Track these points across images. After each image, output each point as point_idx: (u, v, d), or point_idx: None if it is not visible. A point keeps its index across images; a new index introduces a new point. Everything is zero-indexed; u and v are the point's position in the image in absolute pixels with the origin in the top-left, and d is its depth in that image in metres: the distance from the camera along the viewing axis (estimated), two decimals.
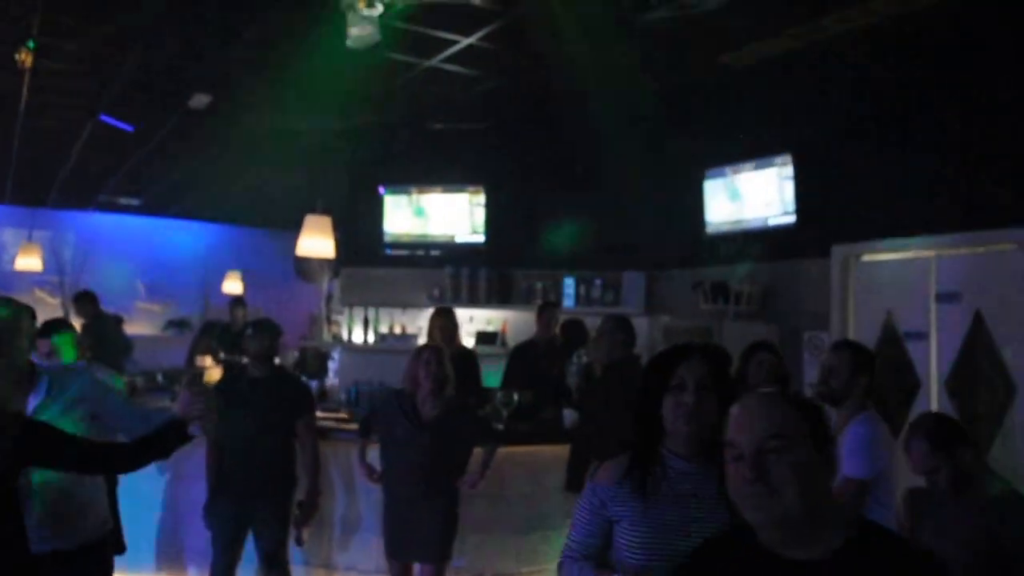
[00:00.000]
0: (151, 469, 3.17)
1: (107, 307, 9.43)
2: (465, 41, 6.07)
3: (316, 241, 6.49)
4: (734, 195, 6.75)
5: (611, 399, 4.60)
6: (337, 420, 5.98)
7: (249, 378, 4.85)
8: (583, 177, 7.85)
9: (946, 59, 5.45)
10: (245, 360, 5.06)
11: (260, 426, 4.67)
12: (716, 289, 6.45)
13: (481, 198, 8.06)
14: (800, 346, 6.29)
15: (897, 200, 5.76)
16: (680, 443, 2.25)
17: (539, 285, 7.92)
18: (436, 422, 4.47)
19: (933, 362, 5.55)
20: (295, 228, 6.88)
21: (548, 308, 6.75)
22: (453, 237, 8.17)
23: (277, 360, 5.11)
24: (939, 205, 5.52)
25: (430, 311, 7.98)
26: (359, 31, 4.87)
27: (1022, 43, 5.10)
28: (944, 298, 5.52)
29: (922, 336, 5.62)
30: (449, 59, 6.40)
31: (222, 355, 7.95)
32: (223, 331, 8.57)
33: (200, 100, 7.37)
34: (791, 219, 6.31)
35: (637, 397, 2.33)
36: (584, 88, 6.98)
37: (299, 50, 6.54)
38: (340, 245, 8.39)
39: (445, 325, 6.09)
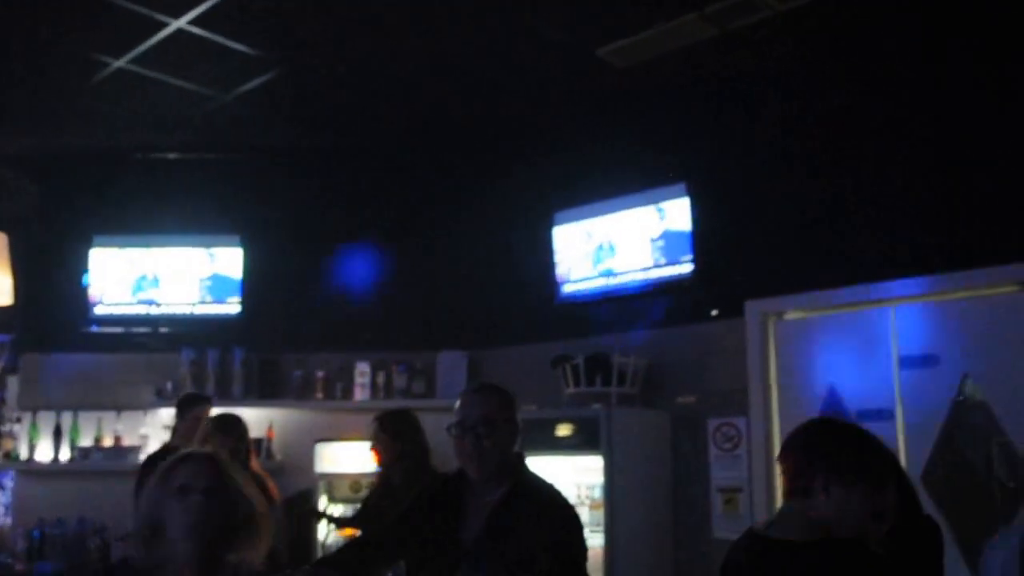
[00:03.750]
0: None
1: None
2: None
3: None
4: (602, 241, 5.11)
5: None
6: None
7: None
8: (380, 225, 5.91)
9: (903, 49, 4.26)
10: None
11: None
12: (594, 365, 4.69)
13: (236, 255, 5.82)
14: (704, 439, 4.66)
15: (834, 237, 4.41)
16: None
17: (319, 373, 5.74)
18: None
19: (901, 450, 4.11)
20: None
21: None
22: (194, 308, 5.81)
23: None
24: (898, 240, 4.22)
25: (161, 412, 5.64)
26: None
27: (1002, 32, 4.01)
28: (912, 362, 4.15)
29: (884, 415, 4.19)
30: (207, 17, 4.29)
31: None
32: None
33: None
34: (687, 269, 4.76)
35: None
36: (383, 92, 5.17)
37: None
38: (21, 320, 5.83)
39: (226, 442, 3.75)
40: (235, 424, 3.63)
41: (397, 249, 5.87)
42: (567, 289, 5.23)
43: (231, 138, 5.75)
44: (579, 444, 4.62)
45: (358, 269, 5.85)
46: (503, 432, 2.57)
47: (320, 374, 5.72)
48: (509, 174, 5.65)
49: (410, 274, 5.82)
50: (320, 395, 5.69)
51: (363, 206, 5.93)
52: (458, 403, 2.63)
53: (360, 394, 5.67)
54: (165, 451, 4.07)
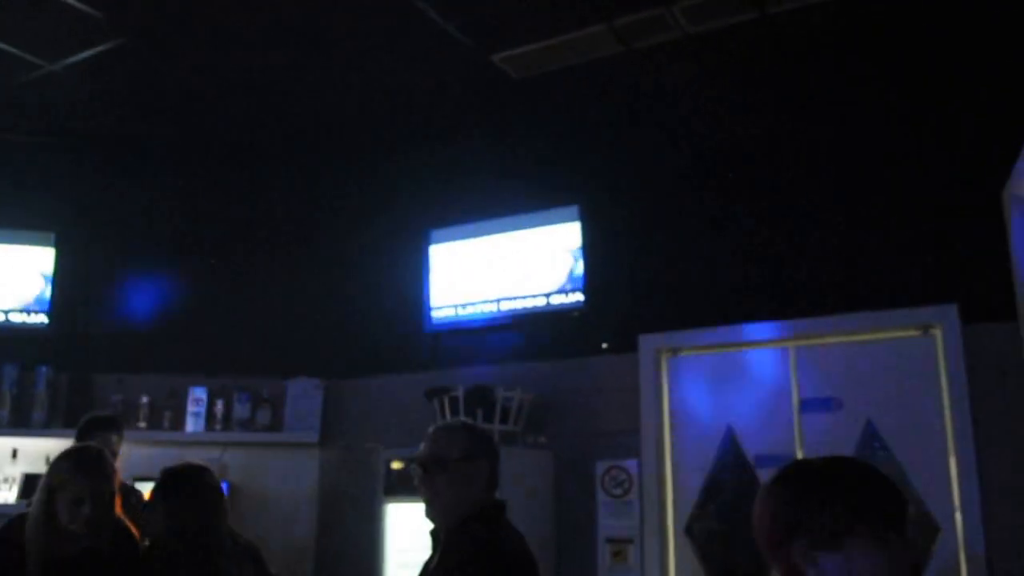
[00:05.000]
0: None
1: None
2: None
3: None
4: (484, 263, 4.69)
5: None
6: None
7: None
8: (226, 231, 5.22)
9: (813, 81, 4.15)
10: None
11: None
12: (475, 399, 4.23)
13: (48, 255, 4.95)
14: (592, 483, 4.30)
15: (734, 271, 4.21)
16: None
17: (144, 398, 4.93)
18: None
19: None
20: None
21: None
22: None
23: None
24: (799, 278, 4.07)
25: None
26: None
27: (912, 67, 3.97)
28: (813, 405, 3.99)
29: (783, 461, 3.97)
30: None
31: None
32: None
33: None
34: (576, 298, 4.42)
35: None
36: (242, 79, 4.61)
37: None
38: None
39: (88, 486, 2.72)
40: (99, 462, 2.84)
41: (245, 259, 5.19)
42: (443, 314, 4.76)
43: (52, 117, 4.89)
44: None
45: (197, 279, 5.13)
46: (460, 472, 2.26)
47: (144, 400, 4.91)
48: (382, 183, 5.14)
49: (259, 288, 5.15)
50: (143, 425, 4.88)
51: (207, 209, 5.22)
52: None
53: (192, 425, 4.91)
54: None
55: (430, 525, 3.93)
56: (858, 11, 3.85)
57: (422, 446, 2.33)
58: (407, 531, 4.30)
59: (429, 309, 4.79)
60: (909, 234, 3.87)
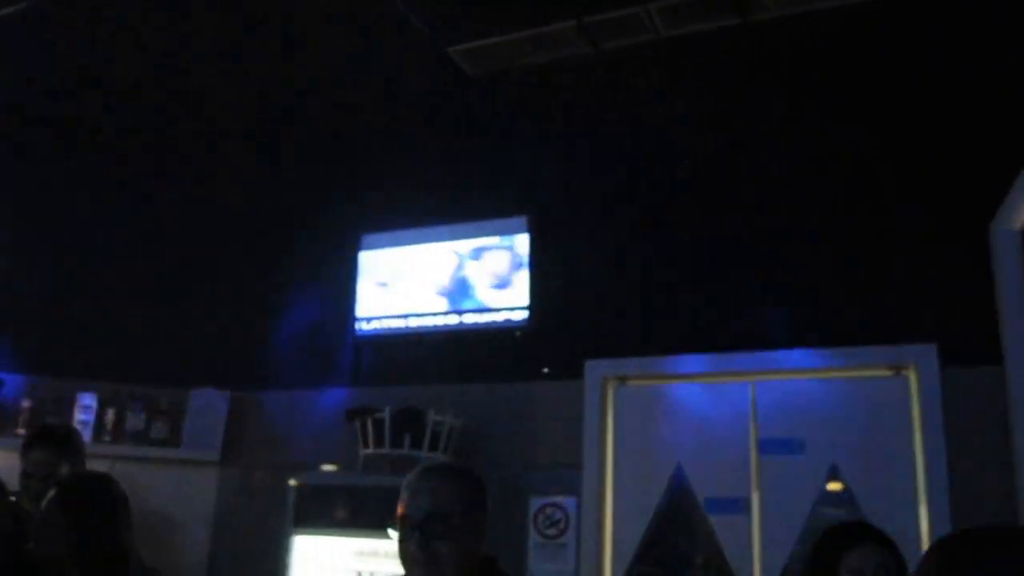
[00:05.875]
0: None
1: None
2: None
3: None
4: (420, 273, 4.27)
5: None
6: None
7: None
8: (128, 226, 4.68)
9: (785, 101, 3.86)
10: None
11: None
12: (404, 422, 3.77)
13: None
14: (525, 522, 3.87)
15: (692, 296, 3.87)
16: None
17: (25, 402, 4.35)
18: None
19: (756, 546, 3.57)
20: None
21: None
22: None
23: None
24: (762, 308, 3.75)
25: None
26: None
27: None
28: (773, 446, 3.65)
29: (737, 505, 3.63)
30: None
31: None
32: None
33: None
34: (520, 316, 4.03)
35: None
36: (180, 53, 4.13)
37: None
38: None
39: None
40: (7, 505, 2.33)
41: (151, 256, 4.65)
42: (370, 326, 4.31)
43: None
44: (369, 522, 3.68)
45: (95, 273, 4.57)
46: (464, 530, 1.81)
47: (26, 404, 4.32)
48: (312, 179, 4.66)
49: (165, 288, 4.61)
50: (21, 431, 4.28)
51: (112, 200, 4.66)
52: (403, 490, 1.86)
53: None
54: None
55: (344, 558, 3.39)
56: (845, 29, 3.57)
57: (403, 497, 1.84)
58: (315, 567, 3.84)
59: (355, 319, 4.33)
60: (887, 266, 3.59)
